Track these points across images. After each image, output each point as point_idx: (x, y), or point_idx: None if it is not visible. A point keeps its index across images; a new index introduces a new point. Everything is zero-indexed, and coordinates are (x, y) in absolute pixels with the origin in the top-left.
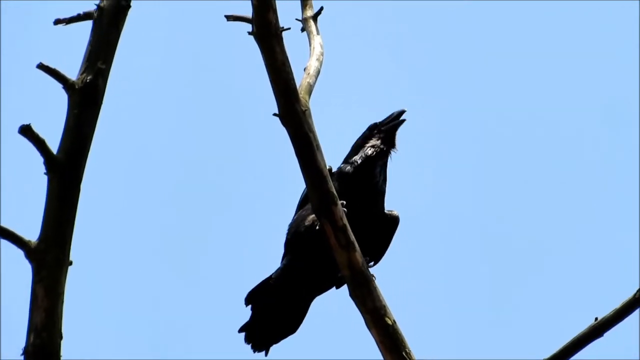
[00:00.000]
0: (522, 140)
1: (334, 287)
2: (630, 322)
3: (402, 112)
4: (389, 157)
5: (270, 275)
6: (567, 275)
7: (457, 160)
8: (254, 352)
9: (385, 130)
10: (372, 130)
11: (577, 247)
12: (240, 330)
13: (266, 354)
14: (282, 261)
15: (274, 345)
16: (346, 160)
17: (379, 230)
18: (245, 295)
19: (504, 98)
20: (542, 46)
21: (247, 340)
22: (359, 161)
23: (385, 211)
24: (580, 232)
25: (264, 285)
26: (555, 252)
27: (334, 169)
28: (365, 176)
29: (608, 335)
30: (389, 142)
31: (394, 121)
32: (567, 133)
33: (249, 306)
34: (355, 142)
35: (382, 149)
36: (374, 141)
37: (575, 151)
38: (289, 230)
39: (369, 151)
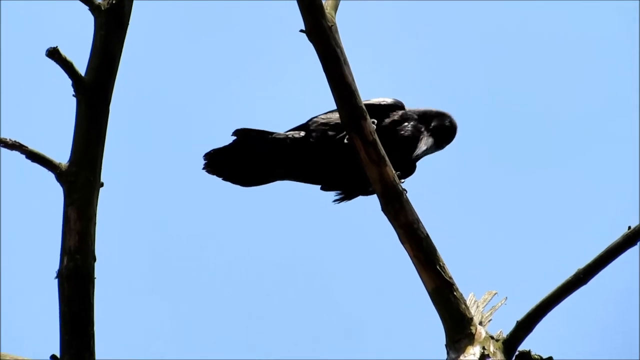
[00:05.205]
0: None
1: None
2: (630, 322)
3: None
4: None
5: (272, 132)
6: (599, 185)
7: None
8: (203, 168)
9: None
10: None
11: (613, 156)
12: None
13: (204, 168)
14: (291, 130)
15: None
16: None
17: None
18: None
19: None
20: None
21: (206, 155)
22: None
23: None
24: (616, 143)
25: (261, 134)
26: (589, 161)
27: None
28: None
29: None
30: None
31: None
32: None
33: (233, 138)
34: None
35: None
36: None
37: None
38: (320, 120)
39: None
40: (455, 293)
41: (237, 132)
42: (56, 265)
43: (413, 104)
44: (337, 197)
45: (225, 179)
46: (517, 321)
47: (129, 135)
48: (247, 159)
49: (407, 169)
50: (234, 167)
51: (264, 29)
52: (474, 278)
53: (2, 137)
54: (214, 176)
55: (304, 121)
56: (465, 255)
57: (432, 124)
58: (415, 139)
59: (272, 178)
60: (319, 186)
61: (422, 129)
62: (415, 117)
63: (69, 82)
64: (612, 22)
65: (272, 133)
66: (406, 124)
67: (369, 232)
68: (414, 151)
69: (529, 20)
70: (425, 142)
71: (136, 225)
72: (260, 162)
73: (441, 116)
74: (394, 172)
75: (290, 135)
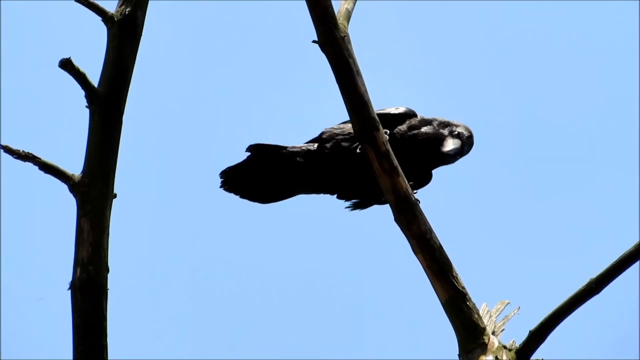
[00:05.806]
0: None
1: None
2: (629, 322)
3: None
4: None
5: (286, 146)
6: (610, 194)
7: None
8: (220, 186)
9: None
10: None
11: (616, 163)
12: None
13: (221, 186)
14: (306, 143)
15: None
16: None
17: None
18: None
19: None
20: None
21: (222, 173)
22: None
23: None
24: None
25: (275, 148)
26: (601, 170)
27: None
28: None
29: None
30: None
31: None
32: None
33: (247, 153)
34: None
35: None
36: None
37: None
38: (334, 132)
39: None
40: (468, 303)
41: (250, 148)
42: (69, 277)
43: (421, 109)
44: (351, 204)
45: (242, 196)
46: (530, 331)
47: (143, 147)
48: (263, 173)
49: (423, 179)
50: (250, 183)
51: (276, 38)
52: (487, 288)
53: (15, 148)
54: (232, 194)
55: (317, 133)
56: (477, 265)
57: (454, 131)
58: (437, 139)
59: (288, 194)
60: (335, 195)
61: (445, 132)
62: (435, 123)
63: (82, 93)
64: (613, 22)
65: (286, 147)
66: (424, 128)
67: (381, 241)
68: (438, 150)
69: (529, 20)
70: (453, 142)
71: (149, 236)
72: (276, 176)
73: (458, 126)
74: (406, 182)
75: (304, 148)
